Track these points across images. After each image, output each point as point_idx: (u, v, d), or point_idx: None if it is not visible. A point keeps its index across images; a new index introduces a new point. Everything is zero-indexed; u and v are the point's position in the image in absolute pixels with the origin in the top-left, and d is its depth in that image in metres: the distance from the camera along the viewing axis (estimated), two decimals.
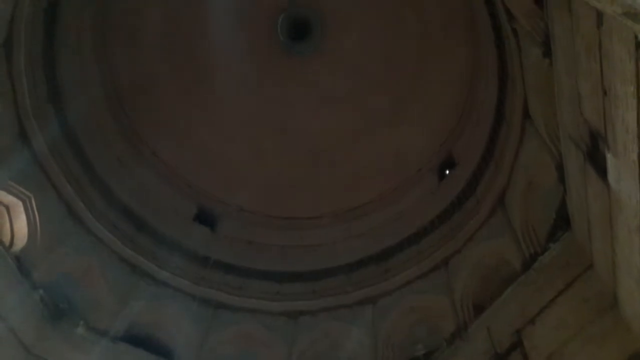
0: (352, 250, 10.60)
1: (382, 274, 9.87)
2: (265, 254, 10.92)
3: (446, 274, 8.95)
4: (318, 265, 10.46)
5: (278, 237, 11.34)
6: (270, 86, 11.52)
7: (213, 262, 10.24)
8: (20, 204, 8.32)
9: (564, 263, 6.55)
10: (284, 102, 11.57)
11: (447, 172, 10.62)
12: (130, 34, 10.58)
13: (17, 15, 7.44)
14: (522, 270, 7.31)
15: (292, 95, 11.56)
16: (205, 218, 11.26)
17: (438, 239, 9.53)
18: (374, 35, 10.93)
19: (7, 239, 8.13)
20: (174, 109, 11.35)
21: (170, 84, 11.26)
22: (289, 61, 11.45)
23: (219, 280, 10.06)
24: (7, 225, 8.29)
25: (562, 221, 6.82)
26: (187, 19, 10.94)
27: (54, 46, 8.69)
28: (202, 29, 11.07)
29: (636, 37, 3.16)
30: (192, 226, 10.92)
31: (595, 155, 5.21)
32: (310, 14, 11.06)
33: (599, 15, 3.73)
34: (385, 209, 11.15)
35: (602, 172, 4.95)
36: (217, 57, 11.39)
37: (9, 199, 8.23)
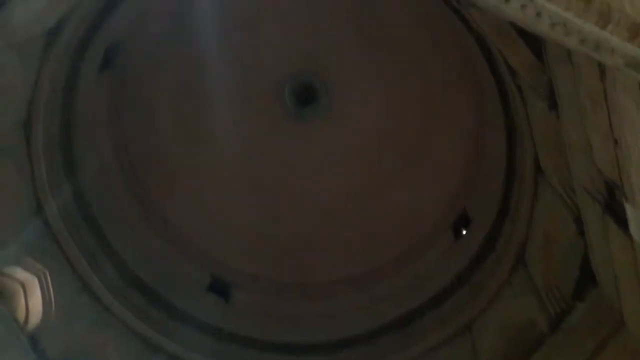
0: (370, 317, 10.23)
1: (403, 341, 9.46)
2: (281, 324, 10.60)
3: (470, 339, 8.56)
4: (336, 335, 10.09)
5: (293, 306, 11.04)
6: (279, 150, 11.71)
7: (227, 335, 9.96)
8: (35, 280, 8.27)
9: (593, 322, 6.26)
10: (294, 165, 11.70)
11: (463, 229, 10.44)
12: (144, 107, 10.98)
13: (36, 96, 7.77)
14: (550, 332, 7.00)
15: (301, 158, 11.71)
16: (219, 288, 11.05)
17: (459, 301, 9.16)
18: (380, 97, 11.18)
19: (22, 316, 8.01)
20: (185, 176, 11.53)
21: (182, 151, 11.53)
22: (297, 125, 11.71)
23: (234, 353, 9.74)
24: (23, 302, 8.19)
25: (587, 277, 6.57)
26: (197, 89, 11.34)
27: (70, 123, 9.00)
28: (211, 98, 11.48)
29: (639, 85, 3.17)
30: (206, 296, 10.71)
31: (613, 206, 5.09)
32: (315, 80, 11.41)
33: (601, 67, 3.77)
34: (401, 271, 10.87)
35: (622, 223, 4.81)
36: (227, 124, 11.74)
37: (25, 275, 8.20)
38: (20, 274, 8.12)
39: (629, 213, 4.51)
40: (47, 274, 8.39)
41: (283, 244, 11.64)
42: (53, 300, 8.35)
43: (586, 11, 3.03)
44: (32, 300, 8.22)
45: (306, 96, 11.48)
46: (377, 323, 9.98)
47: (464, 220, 10.45)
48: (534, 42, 5.62)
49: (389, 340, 9.67)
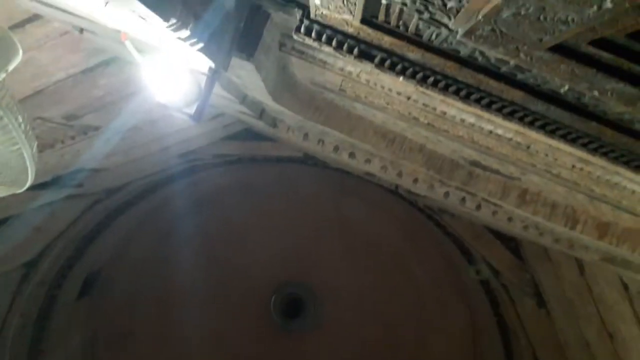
0: None
1: None
2: None
3: None
4: None
5: None
6: None
7: None
8: None
9: None
10: None
11: None
12: (120, 333, 10.57)
13: (3, 333, 7.34)
14: None
15: None
16: None
17: None
18: (370, 305, 11.27)
19: None
20: None
21: None
22: (286, 339, 11.41)
23: None
24: None
25: None
26: (178, 309, 11.19)
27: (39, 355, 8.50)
28: (194, 319, 11.19)
29: (621, 278, 3.52)
30: None
31: None
32: (302, 290, 11.54)
33: (579, 262, 4.18)
34: None
35: None
36: (209, 343, 11.29)
37: None
38: None
39: None
40: None
41: None
42: None
43: (553, 215, 3.49)
44: None
45: (294, 308, 11.51)
46: None
47: None
48: (510, 242, 6.17)
49: None
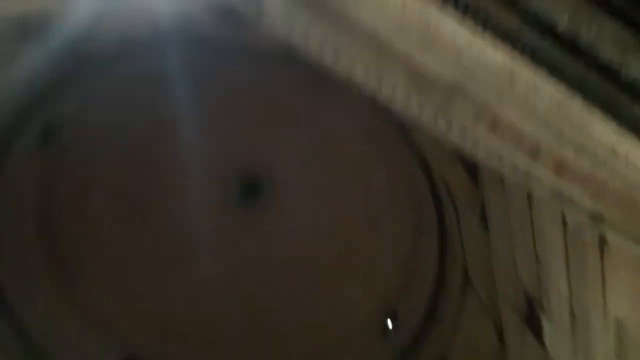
0: None
1: None
2: None
3: None
4: None
5: None
6: (217, 240, 11.65)
7: None
8: None
9: None
10: (235, 259, 11.65)
11: (390, 328, 10.68)
12: (78, 186, 10.57)
13: None
14: None
15: (242, 252, 11.72)
16: None
17: None
18: (324, 197, 11.64)
19: None
20: (112, 259, 11.06)
21: (113, 234, 11.13)
22: (240, 221, 11.76)
23: None
24: None
25: None
26: (139, 174, 11.18)
27: None
28: (154, 182, 11.32)
29: (564, 216, 3.72)
30: None
31: (532, 319, 5.57)
32: (260, 175, 11.78)
33: (530, 196, 4.37)
34: None
35: (539, 335, 5.28)
36: (165, 209, 11.54)
37: None
38: None
39: (545, 326, 4.98)
40: None
41: (207, 334, 11.26)
42: None
43: (519, 146, 3.54)
44: None
45: (251, 191, 11.77)
46: None
47: (392, 320, 10.73)
48: (471, 167, 6.29)
49: None
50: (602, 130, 2.52)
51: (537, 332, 5.31)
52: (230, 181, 11.72)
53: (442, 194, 7.96)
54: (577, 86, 2.25)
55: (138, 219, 11.29)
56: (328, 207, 11.69)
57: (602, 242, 3.34)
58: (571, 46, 2.20)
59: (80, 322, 10.28)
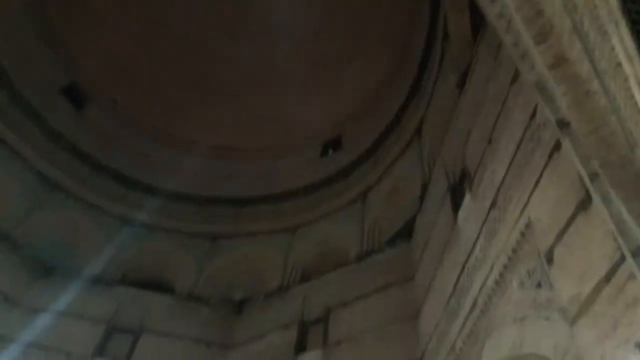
0: (205, 185, 10.62)
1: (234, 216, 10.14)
2: (123, 157, 10.43)
3: (291, 238, 9.42)
4: (166, 185, 10.31)
5: (143, 147, 10.92)
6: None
7: (65, 144, 9.52)
8: None
9: (391, 267, 7.19)
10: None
11: (330, 151, 11.01)
12: None
13: None
14: (355, 260, 7.93)
15: None
16: (74, 95, 10.36)
17: (297, 208, 9.92)
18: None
19: None
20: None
21: None
22: None
23: (64, 165, 9.40)
24: None
25: (406, 232, 7.48)
26: None
27: None
28: None
29: (535, 106, 3.53)
30: (57, 100, 9.98)
31: (457, 190, 5.77)
32: None
33: (516, 74, 4.08)
34: (260, 161, 11.31)
35: (456, 207, 5.51)
36: None
37: None
38: None
39: (465, 201, 5.16)
40: None
41: (158, 86, 11.11)
42: None
43: (534, 20, 3.18)
44: None
45: None
46: (210, 192, 10.46)
47: (335, 144, 11.13)
48: (477, 20, 5.81)
49: (218, 211, 10.26)
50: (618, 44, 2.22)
51: (456, 205, 5.52)
52: None
53: (438, 38, 7.46)
54: None
55: None
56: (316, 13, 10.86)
57: (556, 147, 3.24)
58: None
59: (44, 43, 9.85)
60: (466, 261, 4.76)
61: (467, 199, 5.10)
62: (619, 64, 2.61)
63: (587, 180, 2.58)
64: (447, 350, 4.90)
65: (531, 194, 3.58)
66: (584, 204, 2.85)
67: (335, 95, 10.97)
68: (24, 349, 7.00)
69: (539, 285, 3.40)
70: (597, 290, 2.63)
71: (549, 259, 3.22)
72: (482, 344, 4.17)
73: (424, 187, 7.12)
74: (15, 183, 8.58)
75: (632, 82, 2.65)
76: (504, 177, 4.13)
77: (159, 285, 8.86)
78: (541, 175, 3.47)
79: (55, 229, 8.84)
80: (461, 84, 6.01)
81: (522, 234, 3.68)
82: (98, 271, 8.53)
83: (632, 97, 2.62)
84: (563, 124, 2.69)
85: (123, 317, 7.91)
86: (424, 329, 5.82)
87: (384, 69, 10.22)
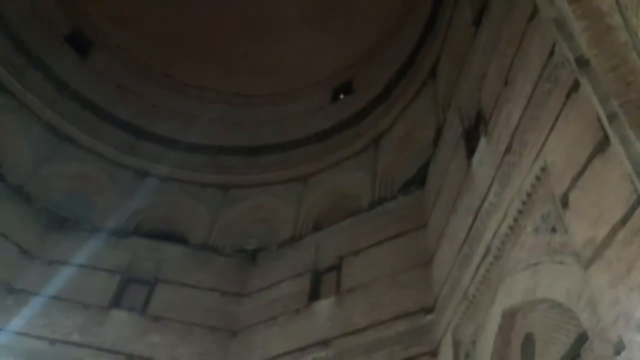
0: (217, 134, 10.55)
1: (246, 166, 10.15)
2: (128, 103, 10.37)
3: (303, 187, 9.37)
4: (178, 135, 10.27)
5: (151, 91, 10.81)
6: None
7: (71, 93, 9.44)
8: None
9: (404, 215, 7.14)
10: None
11: (342, 96, 10.77)
12: None
13: None
14: (367, 209, 7.89)
15: None
16: (78, 42, 10.19)
17: (308, 156, 9.82)
18: None
19: None
20: None
21: None
22: None
23: (72, 115, 9.35)
24: None
25: (419, 178, 7.38)
26: None
27: None
28: None
29: (554, 44, 3.34)
30: (62, 47, 9.83)
31: (471, 134, 5.60)
32: None
33: (534, 11, 3.86)
34: (270, 108, 11.16)
35: (470, 152, 5.37)
36: None
37: None
38: None
39: (480, 145, 5.01)
40: None
41: (166, 33, 10.82)
42: None
43: None
44: None
45: None
46: (219, 142, 10.43)
47: (346, 88, 10.84)
48: None
49: (231, 160, 10.25)
50: None
51: (470, 149, 5.38)
52: None
53: None
54: None
55: None
56: None
57: (574, 87, 3.08)
58: None
59: None
60: (480, 207, 4.68)
61: (482, 142, 4.95)
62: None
63: (605, 121, 2.44)
64: (460, 297, 4.91)
65: (547, 136, 3.45)
66: (602, 145, 2.72)
67: (348, 33, 10.54)
68: (42, 302, 7.17)
69: (553, 229, 3.33)
70: (612, 233, 2.56)
71: (564, 203, 3.13)
72: (495, 290, 4.15)
73: (438, 131, 6.95)
74: (23, 134, 8.56)
75: None
76: (519, 120, 3.98)
77: (172, 236, 8.98)
78: (558, 117, 3.31)
79: (66, 180, 8.91)
80: (477, 21, 5.73)
81: (538, 178, 3.57)
82: (111, 223, 8.63)
83: None
84: (582, 62, 2.53)
85: (138, 268, 8.06)
86: (437, 276, 5.83)
87: (396, 4, 9.78)
